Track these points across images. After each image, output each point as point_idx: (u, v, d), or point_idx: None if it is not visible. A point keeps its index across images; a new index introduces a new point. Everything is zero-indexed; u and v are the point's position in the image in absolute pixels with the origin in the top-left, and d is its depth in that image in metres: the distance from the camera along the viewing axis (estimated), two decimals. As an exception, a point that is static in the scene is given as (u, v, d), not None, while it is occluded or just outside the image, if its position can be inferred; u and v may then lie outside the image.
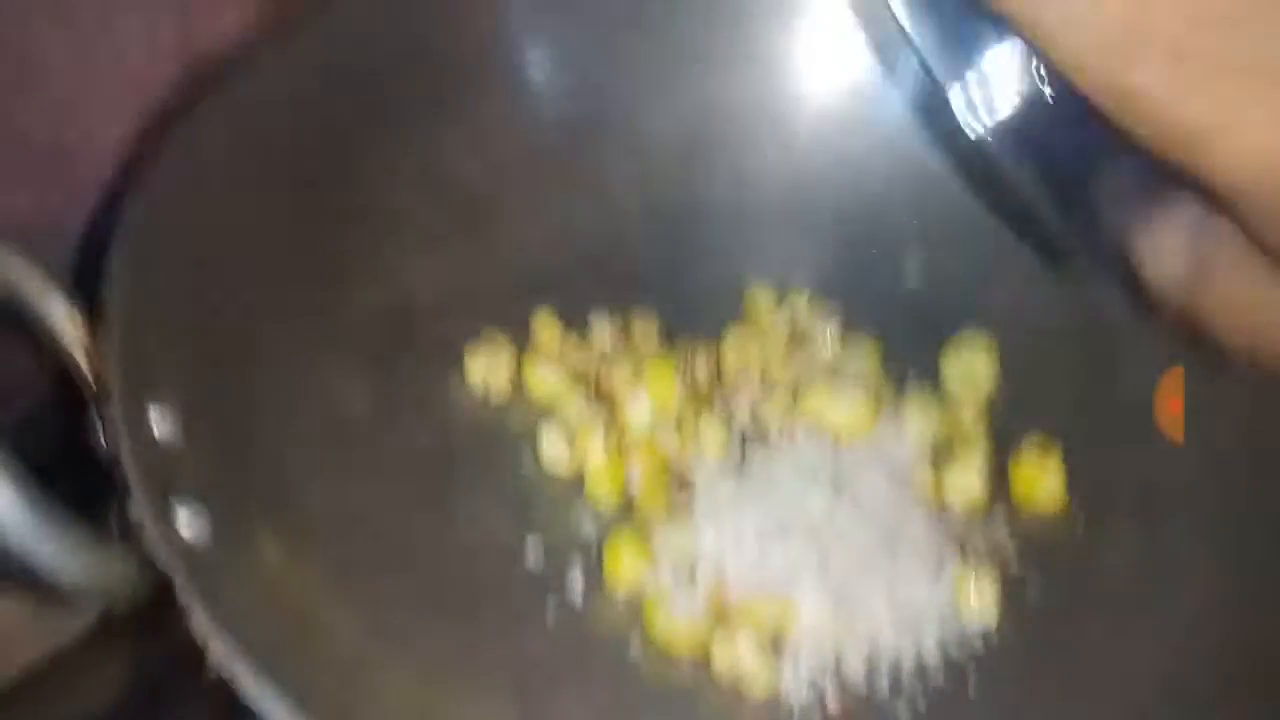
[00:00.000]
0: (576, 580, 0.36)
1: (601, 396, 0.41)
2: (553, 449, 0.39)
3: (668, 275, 0.44)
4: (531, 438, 0.39)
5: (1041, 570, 0.37)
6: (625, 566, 0.36)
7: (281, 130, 0.38)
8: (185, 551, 0.27)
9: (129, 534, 0.26)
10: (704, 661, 0.35)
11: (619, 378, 0.40)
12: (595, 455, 0.39)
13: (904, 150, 0.44)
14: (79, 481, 0.28)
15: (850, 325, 0.43)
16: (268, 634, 0.27)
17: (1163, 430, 0.38)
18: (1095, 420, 0.40)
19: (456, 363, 0.40)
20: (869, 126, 0.44)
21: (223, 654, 0.25)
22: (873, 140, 0.44)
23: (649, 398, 0.40)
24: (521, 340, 0.42)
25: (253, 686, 0.25)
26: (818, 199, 0.45)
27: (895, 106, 0.44)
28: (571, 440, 0.39)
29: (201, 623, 0.26)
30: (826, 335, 0.42)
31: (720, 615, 0.36)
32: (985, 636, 0.36)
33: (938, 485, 0.39)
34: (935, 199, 0.44)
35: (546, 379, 0.41)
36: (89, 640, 0.35)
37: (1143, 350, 0.40)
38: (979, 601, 0.36)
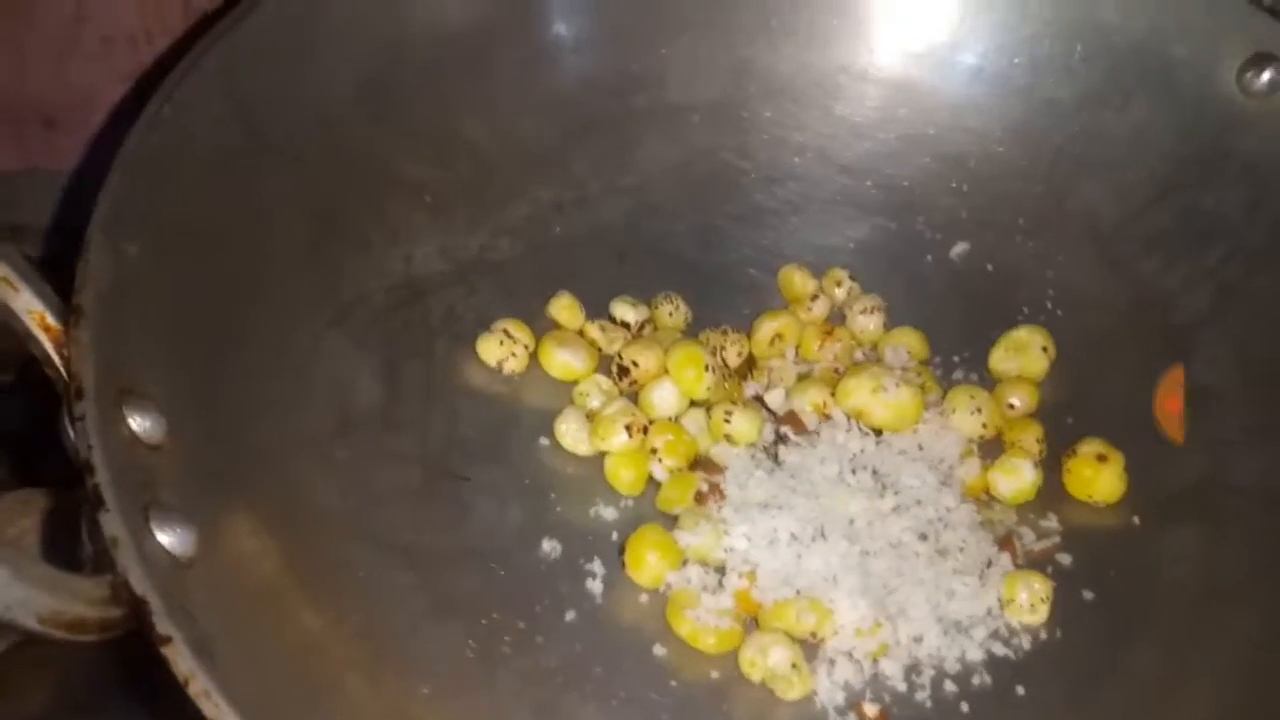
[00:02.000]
0: (597, 573, 0.34)
1: (624, 382, 0.38)
2: (572, 435, 0.37)
3: (697, 252, 0.41)
4: (549, 423, 0.37)
5: (1094, 570, 0.35)
6: (649, 565, 0.34)
7: (276, 95, 0.35)
8: (165, 571, 0.23)
9: (100, 549, 0.23)
10: (733, 661, 0.32)
11: (643, 362, 0.38)
12: (617, 442, 0.36)
13: (958, 125, 0.41)
14: (65, 455, 0.25)
15: (894, 312, 0.40)
16: (255, 661, 0.24)
17: (1162, 429, 0.37)
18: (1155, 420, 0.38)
19: (469, 343, 0.38)
20: (921, 100, 0.42)
21: (203, 692, 0.21)
22: (924, 115, 0.42)
23: (675, 384, 0.38)
24: (538, 319, 0.39)
25: None
26: (863, 175, 0.42)
27: (951, 80, 0.41)
28: (592, 426, 0.37)
29: (181, 657, 0.22)
30: (868, 322, 0.40)
31: (751, 617, 0.33)
32: (1034, 637, 0.33)
33: (986, 482, 0.36)
34: (991, 180, 0.41)
35: (566, 363, 0.38)
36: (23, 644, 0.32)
37: (1211, 349, 0.38)
38: (1029, 601, 0.34)
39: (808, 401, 0.37)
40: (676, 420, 0.37)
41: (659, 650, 0.33)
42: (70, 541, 0.24)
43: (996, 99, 0.42)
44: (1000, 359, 0.39)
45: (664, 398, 0.37)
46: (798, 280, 0.41)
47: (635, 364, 0.38)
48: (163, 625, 0.21)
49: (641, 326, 0.40)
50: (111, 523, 0.22)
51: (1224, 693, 0.32)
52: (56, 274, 0.28)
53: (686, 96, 0.42)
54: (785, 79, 0.42)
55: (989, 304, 0.41)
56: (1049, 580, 0.34)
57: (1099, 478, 0.36)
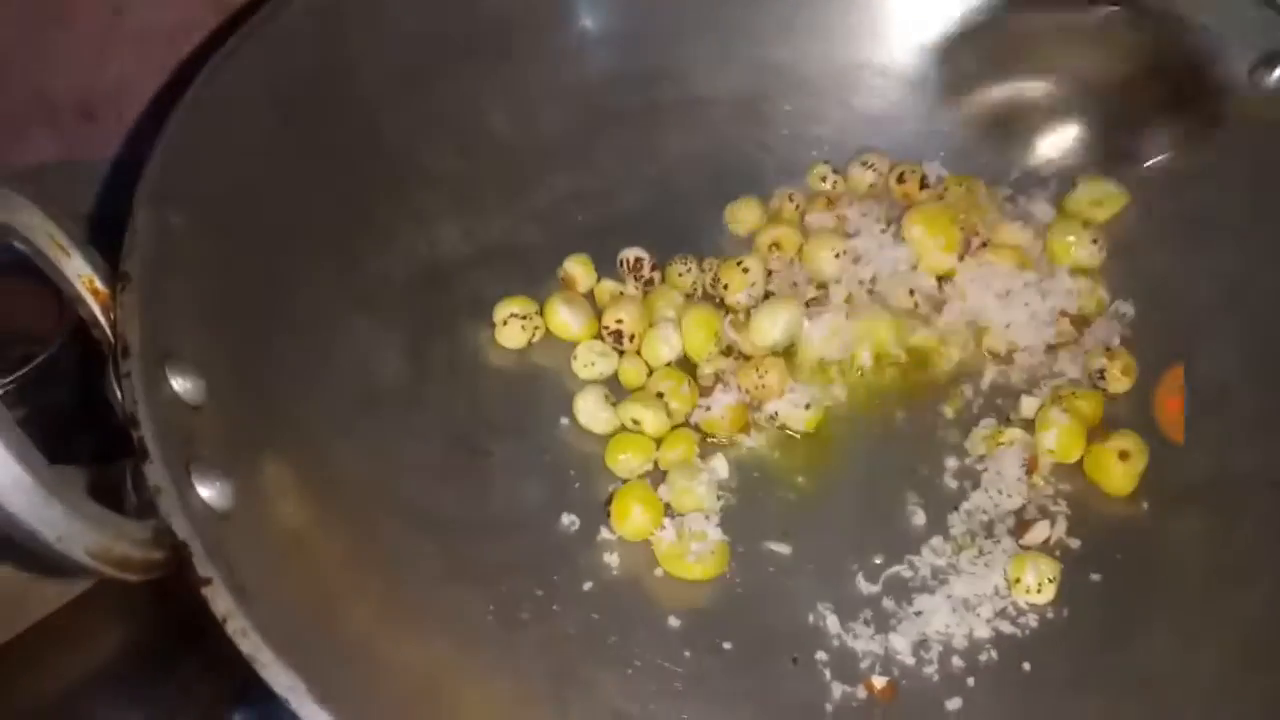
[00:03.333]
0: (615, 546, 0.35)
1: (620, 343, 0.39)
2: (589, 413, 0.37)
3: (717, 240, 0.42)
4: (569, 404, 0.38)
5: (1102, 554, 0.35)
6: (634, 518, 0.35)
7: (310, 84, 0.36)
8: (205, 520, 0.25)
9: (144, 500, 0.24)
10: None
11: (627, 317, 0.39)
12: (633, 414, 0.37)
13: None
14: (101, 433, 0.26)
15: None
16: (287, 607, 0.25)
17: (1162, 430, 0.37)
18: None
19: (490, 323, 0.39)
20: (934, 96, 0.42)
21: (241, 630, 0.23)
22: (937, 109, 0.43)
23: (678, 336, 0.39)
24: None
25: (271, 665, 0.23)
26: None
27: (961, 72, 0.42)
28: (608, 402, 0.38)
29: (220, 596, 0.23)
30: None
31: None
32: (1041, 616, 0.34)
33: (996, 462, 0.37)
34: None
35: (565, 322, 0.39)
36: (91, 598, 0.34)
37: (1217, 343, 0.38)
38: (1035, 582, 0.34)
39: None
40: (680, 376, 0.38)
41: (674, 622, 0.33)
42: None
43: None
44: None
45: (664, 344, 0.39)
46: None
47: (619, 320, 0.39)
48: (203, 567, 0.22)
49: (649, 279, 0.40)
50: (155, 473, 0.24)
51: (1226, 671, 0.33)
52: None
53: (710, 90, 0.43)
54: (805, 74, 0.43)
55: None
56: (1056, 562, 0.35)
57: (1115, 470, 0.36)
